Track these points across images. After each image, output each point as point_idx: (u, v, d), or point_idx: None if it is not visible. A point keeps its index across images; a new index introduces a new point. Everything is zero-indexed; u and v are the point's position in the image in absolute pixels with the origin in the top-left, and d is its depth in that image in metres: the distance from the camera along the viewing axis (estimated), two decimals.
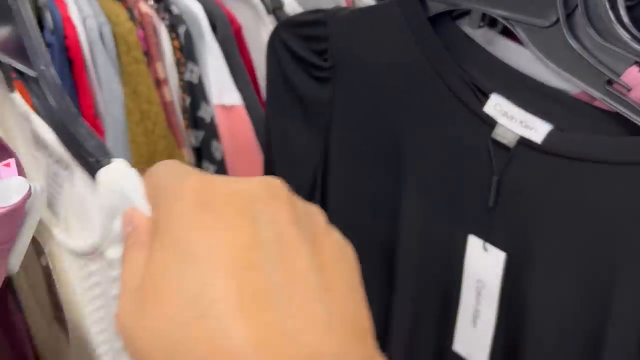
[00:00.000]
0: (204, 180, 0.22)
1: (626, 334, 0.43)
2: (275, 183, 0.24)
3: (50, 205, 0.38)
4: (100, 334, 0.37)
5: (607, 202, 0.42)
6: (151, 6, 0.74)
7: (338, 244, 0.24)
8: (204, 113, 0.74)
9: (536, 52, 0.44)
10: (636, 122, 0.41)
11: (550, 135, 0.44)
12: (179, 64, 0.73)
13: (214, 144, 0.75)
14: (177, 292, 0.20)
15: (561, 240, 0.45)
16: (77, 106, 0.67)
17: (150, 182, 0.25)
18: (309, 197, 0.62)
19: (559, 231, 0.45)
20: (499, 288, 0.48)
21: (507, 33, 0.48)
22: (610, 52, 0.41)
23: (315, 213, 0.25)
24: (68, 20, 0.67)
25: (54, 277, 0.39)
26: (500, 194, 0.47)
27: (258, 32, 0.84)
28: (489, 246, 0.48)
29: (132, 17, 0.72)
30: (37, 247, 0.40)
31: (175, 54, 0.74)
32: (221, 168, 0.76)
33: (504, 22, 0.46)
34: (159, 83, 0.72)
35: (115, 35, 0.69)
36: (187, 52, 0.74)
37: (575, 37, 0.42)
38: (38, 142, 0.37)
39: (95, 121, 0.69)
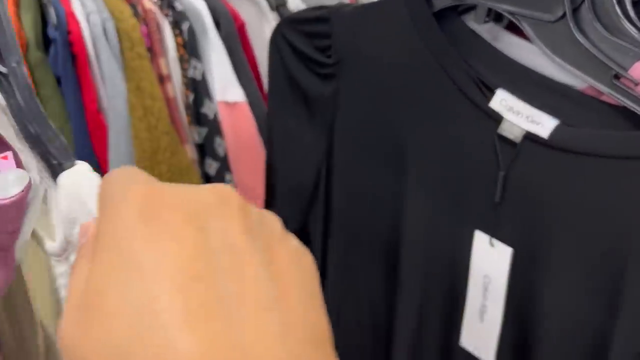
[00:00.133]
0: (152, 188, 0.21)
1: (634, 331, 0.42)
2: (226, 191, 0.23)
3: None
4: None
5: (614, 197, 0.42)
6: (155, 2, 0.74)
7: (295, 252, 0.23)
8: (207, 109, 0.74)
9: (542, 47, 0.44)
10: None
11: (556, 130, 0.44)
12: (182, 60, 0.73)
13: (217, 140, 0.75)
14: (122, 303, 0.19)
15: (568, 235, 0.45)
16: (80, 101, 0.67)
17: (102, 188, 0.24)
18: (312, 194, 0.62)
19: (566, 226, 0.45)
20: (506, 283, 0.48)
21: (513, 28, 0.48)
22: (617, 47, 0.41)
23: (270, 221, 0.24)
24: (72, 15, 0.67)
25: (23, 273, 0.38)
26: (506, 190, 0.47)
27: (261, 28, 0.84)
28: (496, 242, 0.48)
29: (136, 13, 0.72)
30: None
31: (178, 50, 0.73)
32: (224, 164, 0.76)
33: (509, 17, 0.46)
34: (162, 79, 0.72)
35: (118, 31, 0.69)
36: (190, 48, 0.74)
37: (582, 32, 0.42)
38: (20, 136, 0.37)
39: (98, 116, 0.69)
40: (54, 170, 0.32)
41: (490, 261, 0.49)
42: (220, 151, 0.75)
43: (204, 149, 0.75)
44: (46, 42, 0.69)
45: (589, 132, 0.43)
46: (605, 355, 0.44)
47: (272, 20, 0.83)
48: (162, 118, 0.70)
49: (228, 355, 0.18)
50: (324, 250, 0.63)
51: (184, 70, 0.73)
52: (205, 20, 0.76)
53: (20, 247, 0.33)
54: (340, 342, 0.70)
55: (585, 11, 0.42)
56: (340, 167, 0.59)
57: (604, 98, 0.43)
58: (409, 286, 0.55)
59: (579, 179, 0.44)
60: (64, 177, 0.31)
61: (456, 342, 0.53)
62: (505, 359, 0.51)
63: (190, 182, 0.74)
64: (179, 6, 0.75)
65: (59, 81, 0.68)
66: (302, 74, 0.59)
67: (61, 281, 0.35)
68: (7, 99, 0.35)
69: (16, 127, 0.36)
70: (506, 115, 0.46)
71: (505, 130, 0.46)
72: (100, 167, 0.71)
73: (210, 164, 0.75)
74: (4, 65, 0.36)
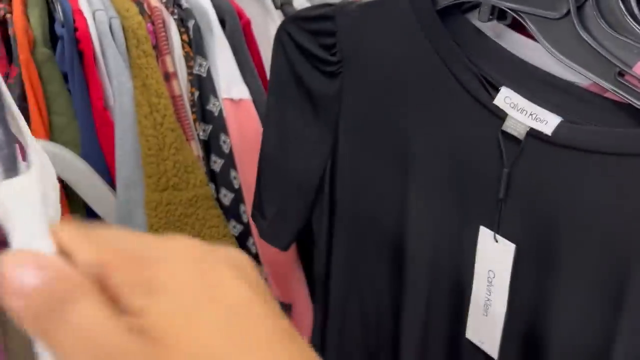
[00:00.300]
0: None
1: (639, 326, 0.43)
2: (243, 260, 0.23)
3: None
4: None
5: (617, 194, 0.42)
6: (160, 0, 0.74)
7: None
8: (212, 107, 0.74)
9: (546, 45, 0.45)
10: None
11: (560, 127, 0.44)
12: (187, 58, 0.74)
13: (222, 137, 0.75)
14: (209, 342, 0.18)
15: (571, 232, 0.45)
16: (87, 98, 0.68)
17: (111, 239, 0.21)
18: (317, 192, 0.62)
19: (569, 223, 0.45)
20: (509, 278, 0.49)
21: (517, 26, 0.48)
22: (622, 44, 0.41)
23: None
24: (78, 12, 0.67)
25: None
26: (510, 186, 0.47)
27: (266, 26, 0.84)
28: (500, 237, 0.49)
29: (142, 11, 0.72)
30: None
31: (184, 47, 0.74)
32: (229, 161, 0.76)
33: (513, 14, 0.46)
34: (168, 76, 0.72)
35: (124, 29, 0.69)
36: (195, 46, 0.74)
37: (586, 29, 0.43)
38: None
39: (104, 113, 0.69)
40: None
41: (494, 257, 0.49)
42: (225, 148, 0.75)
43: (209, 146, 0.75)
44: (53, 39, 0.70)
45: (592, 129, 0.43)
46: (610, 350, 0.44)
47: (276, 19, 0.83)
48: (168, 115, 0.70)
49: None
50: (328, 247, 0.64)
51: (189, 67, 0.74)
52: (211, 18, 0.76)
53: None
54: (346, 339, 0.71)
55: (590, 8, 0.42)
56: (344, 164, 0.60)
57: (607, 95, 0.44)
58: (415, 281, 0.55)
59: (583, 176, 0.44)
60: (3, 187, 0.29)
61: (462, 335, 0.54)
62: (509, 351, 0.51)
63: (195, 178, 0.74)
64: (184, 4, 0.75)
65: (66, 78, 0.68)
66: (307, 71, 0.59)
67: None
68: None
69: None
70: (510, 112, 0.46)
71: (509, 127, 0.46)
72: (107, 164, 0.71)
73: (215, 160, 0.76)
74: None
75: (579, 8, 0.43)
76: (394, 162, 0.55)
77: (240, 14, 0.79)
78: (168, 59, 0.73)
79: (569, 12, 0.43)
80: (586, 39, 0.42)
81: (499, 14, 0.48)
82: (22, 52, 0.65)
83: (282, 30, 0.60)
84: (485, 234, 0.50)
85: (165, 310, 0.18)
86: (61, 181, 0.67)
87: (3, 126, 0.30)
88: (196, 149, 0.75)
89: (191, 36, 0.74)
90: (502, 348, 0.51)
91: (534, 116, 0.45)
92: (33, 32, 0.67)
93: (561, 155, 0.44)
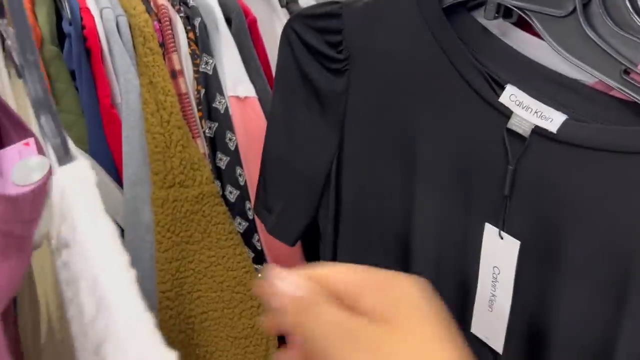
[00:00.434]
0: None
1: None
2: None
3: None
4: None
5: (622, 192, 0.43)
6: None
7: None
8: (218, 104, 0.75)
9: (552, 42, 0.45)
10: None
11: (565, 125, 0.44)
12: (194, 56, 0.74)
13: (228, 134, 0.75)
14: None
15: (576, 229, 0.45)
16: (94, 96, 0.68)
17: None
18: (323, 189, 0.63)
19: (574, 220, 0.45)
20: (514, 274, 0.49)
21: (522, 24, 0.48)
22: (627, 42, 0.41)
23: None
24: (86, 10, 0.67)
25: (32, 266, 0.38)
26: (515, 183, 0.47)
27: (272, 24, 0.85)
28: (505, 234, 0.49)
29: (149, 9, 0.72)
30: None
31: (190, 45, 0.74)
32: (235, 159, 0.76)
33: (519, 12, 0.46)
34: (175, 74, 0.73)
35: (131, 27, 0.70)
36: (202, 44, 0.74)
37: (592, 27, 0.43)
38: None
39: (111, 111, 0.69)
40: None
41: (499, 253, 0.49)
42: (231, 145, 0.76)
43: (215, 143, 0.76)
44: (61, 37, 0.70)
45: (597, 127, 0.43)
46: (613, 345, 0.44)
47: (282, 17, 0.83)
48: (175, 113, 0.71)
49: None
50: (334, 244, 0.64)
51: (195, 65, 0.74)
52: (217, 16, 0.76)
53: (39, 232, 0.33)
54: None
55: (596, 6, 0.42)
56: (351, 161, 0.60)
57: (613, 93, 0.44)
58: (421, 274, 0.55)
59: (587, 173, 0.44)
60: (61, 172, 0.30)
61: (467, 330, 0.54)
62: (513, 346, 0.51)
63: (201, 175, 0.74)
64: (191, 2, 0.75)
65: (73, 76, 0.69)
66: (314, 69, 0.59)
67: (62, 275, 0.35)
68: (27, 89, 0.36)
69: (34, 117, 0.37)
70: (515, 110, 0.46)
71: (515, 125, 0.46)
72: (114, 161, 0.72)
73: (221, 157, 0.76)
74: (23, 59, 0.36)
75: (585, 6, 0.43)
76: (400, 159, 0.55)
77: (246, 12, 0.79)
78: (174, 56, 0.73)
79: (575, 9, 0.43)
80: (592, 36, 0.42)
81: (505, 12, 0.48)
82: None
83: (288, 27, 0.60)
84: (490, 231, 0.50)
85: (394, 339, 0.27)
86: None
87: (52, 115, 0.31)
88: (202, 147, 0.76)
89: (197, 34, 0.74)
90: (507, 343, 0.51)
91: (539, 114, 0.46)
92: (41, 30, 0.67)
93: (566, 153, 0.44)
